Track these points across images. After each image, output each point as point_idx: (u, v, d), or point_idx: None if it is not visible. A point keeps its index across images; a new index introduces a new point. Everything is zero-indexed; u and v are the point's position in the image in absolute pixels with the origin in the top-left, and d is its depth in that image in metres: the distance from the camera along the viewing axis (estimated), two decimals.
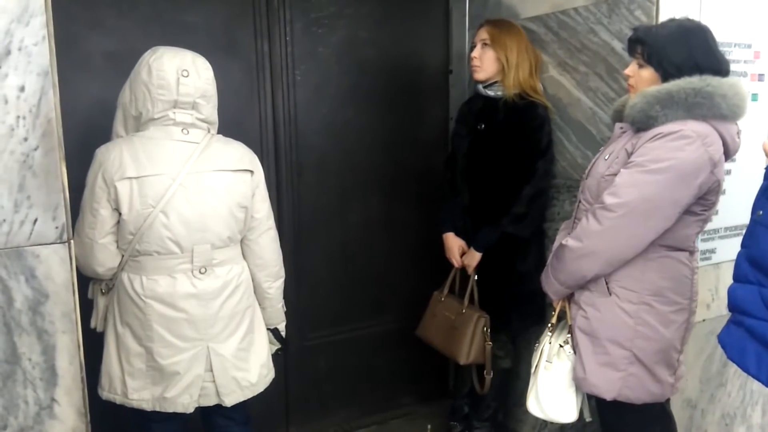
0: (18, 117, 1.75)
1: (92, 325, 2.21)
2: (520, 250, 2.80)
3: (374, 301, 3.39)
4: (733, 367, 2.90)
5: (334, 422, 3.35)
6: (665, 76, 1.98)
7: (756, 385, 3.02)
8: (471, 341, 2.79)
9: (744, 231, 2.65)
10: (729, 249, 2.70)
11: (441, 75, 3.42)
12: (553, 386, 2.18)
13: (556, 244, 2.24)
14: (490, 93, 2.80)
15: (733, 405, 2.94)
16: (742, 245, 1.70)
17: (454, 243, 2.93)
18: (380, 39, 3.21)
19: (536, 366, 2.24)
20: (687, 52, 1.96)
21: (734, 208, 2.61)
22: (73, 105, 2.41)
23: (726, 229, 2.71)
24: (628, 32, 2.44)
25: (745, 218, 2.68)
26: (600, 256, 1.99)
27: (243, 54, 2.90)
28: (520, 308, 2.85)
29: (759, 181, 1.67)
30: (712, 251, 2.69)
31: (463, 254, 2.90)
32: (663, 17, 2.36)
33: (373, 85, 3.23)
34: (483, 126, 2.83)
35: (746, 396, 2.99)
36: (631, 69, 2.08)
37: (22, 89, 1.75)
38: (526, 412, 2.31)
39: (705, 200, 1.98)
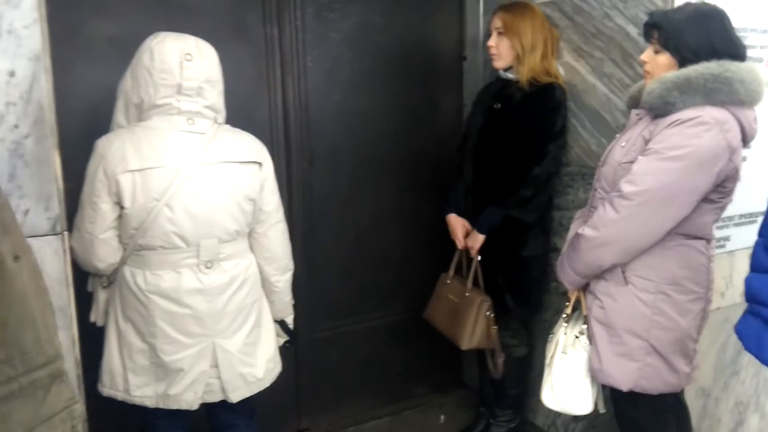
0: (8, 103, 1.70)
1: (92, 318, 2.16)
2: (526, 235, 2.78)
3: (387, 291, 3.36)
4: (747, 356, 2.86)
5: (347, 414, 3.32)
6: (682, 62, 1.95)
7: None
8: (474, 326, 2.75)
9: (759, 219, 2.66)
10: (743, 237, 2.68)
11: (455, 61, 3.38)
12: (568, 378, 2.16)
13: (571, 233, 2.22)
14: (510, 76, 2.77)
15: (746, 393, 2.93)
16: (759, 234, 1.67)
17: (457, 223, 2.90)
18: (393, 24, 3.16)
19: (551, 357, 2.22)
20: (704, 36, 1.93)
21: (749, 196, 2.57)
22: (75, 92, 2.36)
23: (741, 216, 2.68)
24: (644, 17, 2.40)
25: (759, 205, 2.68)
26: (617, 245, 1.97)
27: (252, 39, 2.83)
28: (519, 295, 2.84)
29: None
30: (727, 239, 2.67)
31: (467, 235, 2.87)
32: (679, 1, 2.32)
33: (386, 72, 3.18)
34: (499, 105, 2.80)
35: (760, 384, 2.97)
36: (647, 55, 2.05)
37: (12, 74, 1.69)
38: (539, 401, 2.30)
39: (722, 187, 1.96)
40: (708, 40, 1.92)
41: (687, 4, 2.04)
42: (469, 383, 3.60)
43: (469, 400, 3.42)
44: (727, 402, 2.86)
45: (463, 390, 3.56)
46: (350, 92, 3.11)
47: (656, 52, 2.01)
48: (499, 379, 2.91)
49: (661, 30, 1.98)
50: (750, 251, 2.70)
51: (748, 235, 2.66)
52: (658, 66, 2.01)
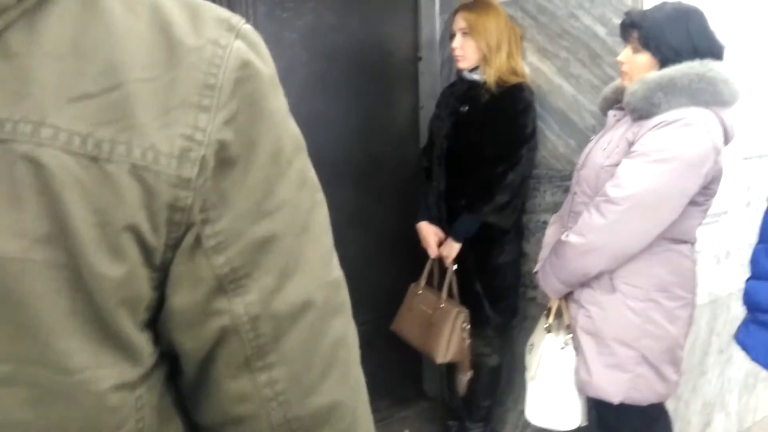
0: None
1: None
2: (499, 242, 2.69)
3: None
4: (712, 356, 2.88)
5: None
6: (663, 61, 1.90)
7: (734, 372, 3.02)
8: (449, 338, 2.63)
9: (722, 219, 2.66)
10: (707, 238, 2.66)
11: (410, 62, 3.27)
12: (555, 392, 2.08)
13: (548, 239, 2.15)
14: (475, 77, 2.66)
15: (713, 393, 2.92)
16: (760, 240, 1.62)
17: (429, 232, 2.78)
18: (348, 24, 3.04)
19: (535, 370, 2.13)
20: (685, 35, 1.88)
21: None
22: None
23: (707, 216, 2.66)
24: (612, 16, 2.36)
25: (723, 206, 2.67)
26: (605, 251, 1.90)
27: None
28: (498, 303, 2.74)
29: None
30: None
31: (440, 244, 2.76)
32: (648, 0, 2.28)
33: (341, 73, 3.05)
34: (467, 108, 2.70)
35: (724, 383, 2.98)
36: (625, 55, 1.99)
37: None
38: (508, 410, 2.21)
39: (707, 189, 1.92)
40: (689, 38, 1.88)
41: (664, 3, 1.99)
42: (430, 395, 3.49)
43: (431, 413, 3.31)
44: (696, 403, 2.84)
45: (426, 402, 3.44)
46: (305, 95, 2.96)
47: (635, 51, 1.96)
48: (466, 394, 2.81)
49: (641, 29, 1.93)
50: (714, 252, 2.74)
51: (712, 236, 2.65)
52: (637, 66, 1.95)
